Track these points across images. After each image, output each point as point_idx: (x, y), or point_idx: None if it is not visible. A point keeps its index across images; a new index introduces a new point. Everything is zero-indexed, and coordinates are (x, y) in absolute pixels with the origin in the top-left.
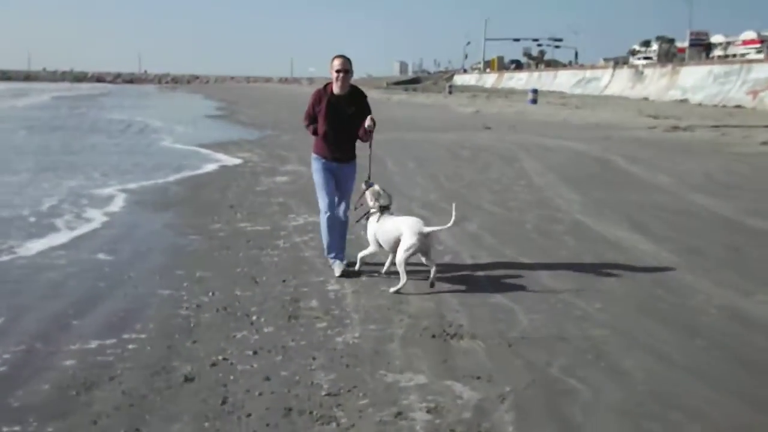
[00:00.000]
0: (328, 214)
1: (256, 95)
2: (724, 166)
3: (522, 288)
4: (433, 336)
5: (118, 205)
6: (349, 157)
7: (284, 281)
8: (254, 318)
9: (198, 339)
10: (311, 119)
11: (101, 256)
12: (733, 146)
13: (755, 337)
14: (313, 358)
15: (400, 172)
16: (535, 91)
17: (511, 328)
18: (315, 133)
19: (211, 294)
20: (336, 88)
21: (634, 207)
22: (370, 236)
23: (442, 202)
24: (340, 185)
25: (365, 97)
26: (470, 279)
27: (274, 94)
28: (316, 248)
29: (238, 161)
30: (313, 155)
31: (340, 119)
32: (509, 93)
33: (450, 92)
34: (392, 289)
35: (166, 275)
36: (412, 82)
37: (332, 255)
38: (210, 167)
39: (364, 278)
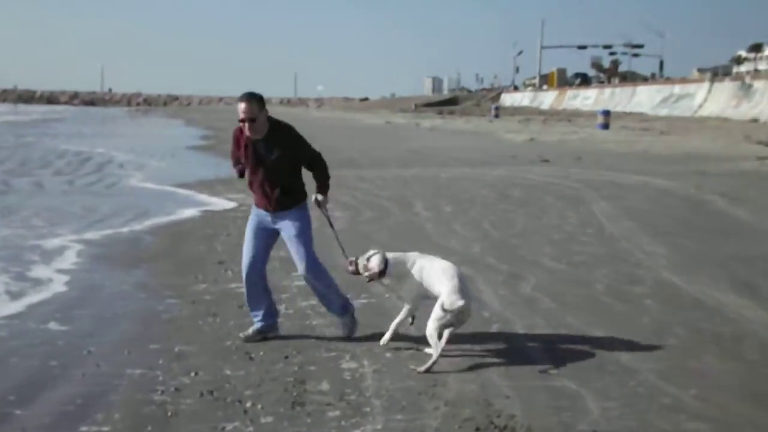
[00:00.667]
0: (245, 273)
1: None
2: None
3: (592, 367)
4: (477, 429)
5: (71, 260)
6: (285, 205)
7: (287, 357)
8: (248, 405)
9: None
10: (236, 160)
11: (53, 325)
12: None
13: None
14: None
15: (433, 218)
16: (606, 113)
17: (578, 420)
18: (240, 174)
19: (193, 374)
20: (249, 134)
21: (739, 262)
22: (410, 292)
23: (488, 256)
24: (287, 239)
25: (291, 132)
26: (524, 355)
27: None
28: (326, 315)
29: (228, 205)
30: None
31: (264, 165)
32: (573, 116)
33: (496, 115)
34: (421, 368)
35: (136, 350)
36: (447, 103)
37: (253, 314)
38: (192, 213)
39: (388, 354)
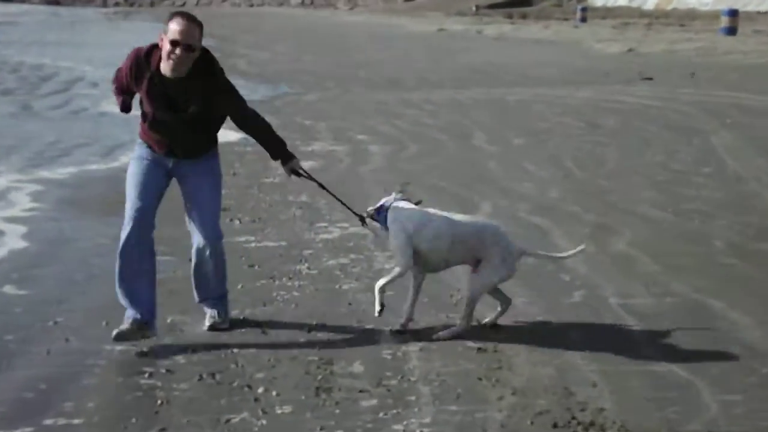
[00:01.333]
0: (129, 228)
1: (264, 28)
2: None
3: (707, 349)
4: (555, 425)
5: (25, 205)
6: (198, 151)
7: (309, 331)
8: (260, 391)
9: (168, 426)
10: (122, 87)
11: (8, 289)
12: None
13: None
14: None
15: (499, 154)
16: (733, 13)
17: (688, 417)
18: (125, 108)
19: (190, 351)
20: (165, 68)
21: None
22: (401, 245)
23: (570, 203)
24: (188, 194)
25: (223, 84)
26: (616, 331)
27: (291, 26)
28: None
29: (234, 137)
30: (138, 140)
31: (174, 110)
32: (686, 18)
33: (583, 19)
34: (439, 334)
35: (116, 320)
36: (519, 4)
37: (130, 298)
38: None
39: (446, 332)
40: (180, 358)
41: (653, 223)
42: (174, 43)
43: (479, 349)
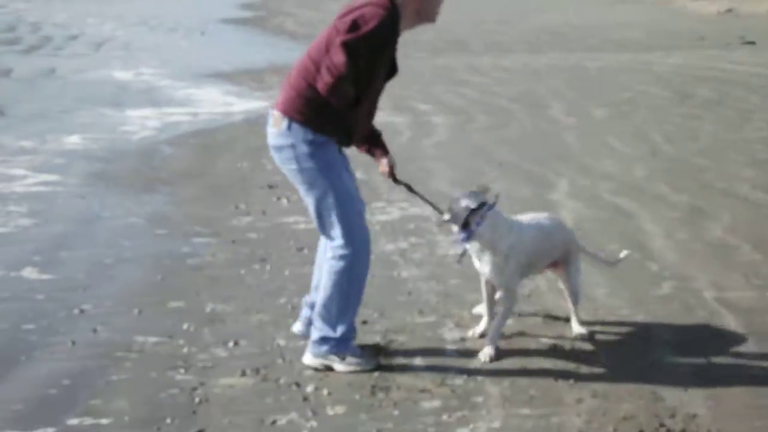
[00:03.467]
0: (366, 249)
1: None
2: None
3: None
4: None
5: (50, 178)
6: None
7: (365, 323)
8: (310, 389)
9: (207, 427)
10: (364, 75)
11: (28, 273)
12: None
13: None
14: None
15: (578, 127)
16: None
17: None
18: (345, 100)
19: (232, 344)
20: (416, 23)
21: None
22: (518, 270)
23: (659, 183)
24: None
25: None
26: (712, 328)
27: None
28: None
29: None
30: (317, 137)
31: (386, 77)
32: None
33: None
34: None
35: (149, 309)
36: None
37: (348, 344)
38: (232, 115)
39: (510, 321)
40: (221, 352)
41: (755, 206)
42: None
43: (555, 346)
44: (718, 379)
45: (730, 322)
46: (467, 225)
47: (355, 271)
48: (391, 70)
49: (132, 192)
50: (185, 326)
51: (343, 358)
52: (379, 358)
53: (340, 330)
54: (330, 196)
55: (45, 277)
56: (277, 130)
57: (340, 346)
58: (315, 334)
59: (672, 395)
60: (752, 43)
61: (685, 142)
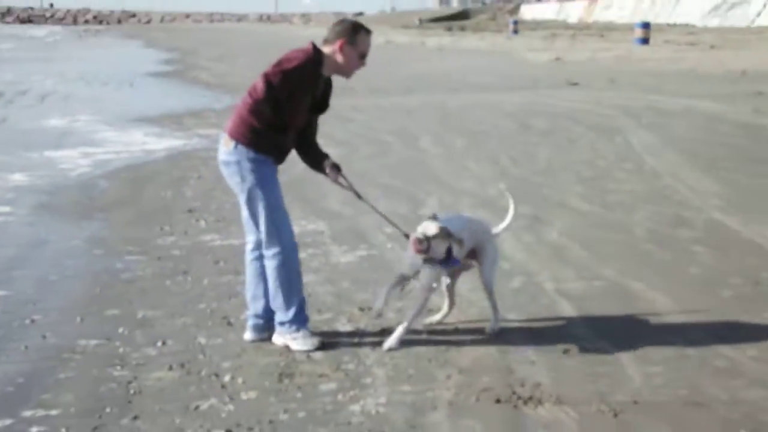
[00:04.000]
0: (292, 249)
1: (225, 41)
2: None
3: (632, 326)
4: (498, 401)
5: (5, 209)
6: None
7: (280, 323)
8: (227, 379)
9: (141, 414)
10: (281, 103)
11: None
12: None
13: None
14: None
15: (442, 154)
16: (646, 26)
17: (616, 389)
18: (272, 124)
19: (160, 344)
20: (336, 72)
21: None
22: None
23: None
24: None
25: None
26: (551, 313)
27: (250, 40)
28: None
29: (198, 143)
30: (258, 156)
31: (313, 111)
32: (606, 30)
33: (515, 31)
34: (492, 327)
35: (90, 316)
36: (457, 18)
37: (304, 317)
38: (156, 152)
39: (391, 314)
40: (151, 350)
41: (581, 214)
42: (364, 55)
43: (428, 333)
44: (558, 353)
45: (566, 307)
46: (449, 254)
47: (288, 265)
48: (321, 106)
49: (73, 219)
50: (120, 330)
51: (296, 338)
52: (322, 340)
53: (290, 313)
54: (264, 205)
55: (0, 293)
56: (226, 149)
57: (293, 324)
58: (276, 319)
59: (522, 369)
60: (575, 84)
61: (527, 164)
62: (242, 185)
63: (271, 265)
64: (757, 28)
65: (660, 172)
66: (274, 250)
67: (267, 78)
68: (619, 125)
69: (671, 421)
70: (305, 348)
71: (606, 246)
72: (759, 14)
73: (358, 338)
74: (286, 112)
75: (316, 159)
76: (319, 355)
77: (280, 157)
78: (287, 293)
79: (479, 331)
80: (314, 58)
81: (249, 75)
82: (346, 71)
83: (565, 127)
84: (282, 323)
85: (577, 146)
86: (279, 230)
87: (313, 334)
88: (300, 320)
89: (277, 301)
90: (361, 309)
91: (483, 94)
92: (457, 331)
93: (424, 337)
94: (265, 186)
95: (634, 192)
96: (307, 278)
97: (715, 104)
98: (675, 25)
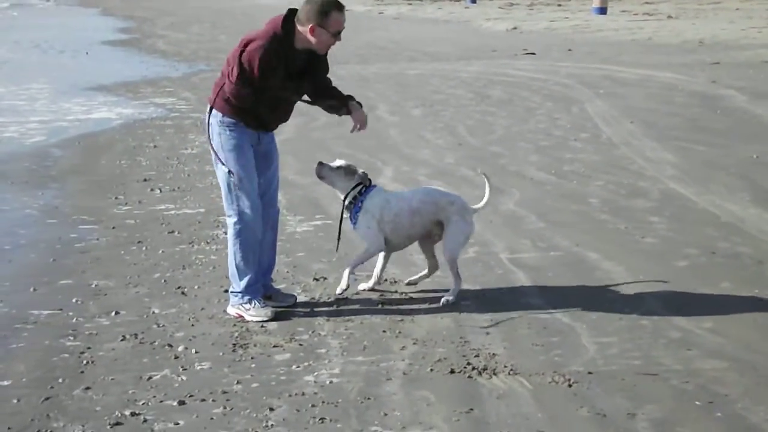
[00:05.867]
0: (251, 220)
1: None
2: None
3: (586, 297)
4: (452, 371)
5: None
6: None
7: (226, 291)
8: (180, 349)
9: (93, 384)
10: (256, 83)
11: None
12: None
13: None
14: (271, 409)
15: (399, 123)
16: None
17: (570, 359)
18: (244, 100)
19: (113, 314)
20: (311, 47)
21: (762, 168)
22: (368, 230)
23: (464, 167)
24: (267, 162)
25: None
26: (506, 283)
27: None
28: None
29: (154, 111)
30: (225, 118)
31: (295, 81)
32: None
33: (473, 0)
34: (446, 298)
35: (43, 287)
36: None
37: (256, 290)
38: (111, 120)
39: (346, 284)
40: (104, 321)
41: (538, 184)
42: (338, 33)
43: (383, 304)
44: (512, 324)
45: (521, 278)
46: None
47: (243, 237)
48: (318, 70)
49: (27, 188)
50: (74, 300)
51: (248, 308)
52: (274, 310)
53: (243, 284)
54: (226, 170)
55: None
56: (207, 112)
57: (246, 295)
58: (230, 289)
59: (476, 339)
60: (533, 53)
61: (484, 134)
62: (212, 146)
63: (229, 234)
64: None
65: (616, 142)
66: (231, 219)
67: (240, 63)
68: (576, 95)
69: (625, 392)
70: (258, 318)
71: (562, 216)
72: None
73: (312, 309)
74: (264, 88)
75: (335, 105)
76: (273, 325)
77: (259, 124)
78: (240, 264)
79: (435, 301)
80: (280, 37)
81: (206, 43)
82: (320, 49)
83: (522, 97)
84: (234, 293)
85: (534, 116)
86: (237, 199)
87: (266, 304)
88: (252, 291)
89: (230, 271)
90: (316, 279)
91: (440, 64)
92: (412, 301)
93: (379, 308)
94: (230, 151)
95: (590, 162)
96: None
97: (672, 74)
98: None
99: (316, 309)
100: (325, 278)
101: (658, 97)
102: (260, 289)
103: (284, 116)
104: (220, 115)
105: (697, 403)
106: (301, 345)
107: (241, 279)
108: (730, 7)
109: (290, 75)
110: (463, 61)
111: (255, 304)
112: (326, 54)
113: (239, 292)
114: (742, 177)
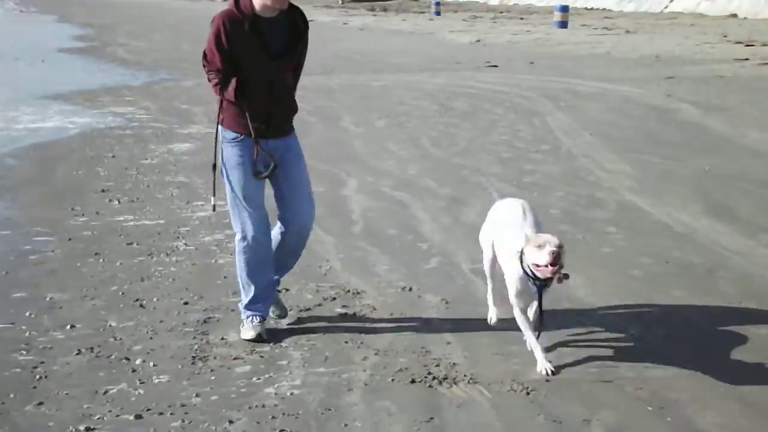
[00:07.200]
0: (253, 238)
1: (143, 17)
2: None
3: (546, 308)
4: (413, 381)
5: None
6: (287, 127)
7: (186, 303)
8: (138, 362)
9: (46, 399)
10: (220, 68)
11: None
12: None
13: None
14: (230, 422)
15: (363, 134)
16: (564, 9)
17: (529, 368)
18: (226, 92)
19: (69, 327)
20: (276, 5)
21: (713, 181)
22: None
23: (427, 178)
24: (284, 176)
25: (308, 26)
26: (468, 293)
27: (170, 16)
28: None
29: (113, 120)
30: (227, 133)
31: (276, 62)
32: (526, 12)
33: (438, 12)
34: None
35: None
36: None
37: (256, 308)
38: (67, 130)
39: (309, 296)
40: (59, 334)
41: (500, 195)
42: None
43: (345, 315)
44: (473, 334)
45: (482, 288)
46: None
47: (244, 255)
48: (289, 50)
49: None
50: (27, 313)
51: (241, 323)
52: (261, 334)
53: (244, 301)
54: (227, 186)
55: None
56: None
57: (244, 311)
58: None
59: (438, 349)
60: (495, 66)
61: (447, 146)
62: (221, 162)
63: (234, 249)
64: (670, 14)
65: (575, 153)
66: (236, 235)
67: (207, 43)
68: (537, 107)
69: (581, 399)
70: (244, 336)
71: None
72: (671, 0)
73: (274, 321)
74: (239, 67)
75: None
76: (234, 337)
77: (258, 126)
78: (243, 281)
79: (396, 312)
80: (230, 11)
81: (167, 52)
82: (279, 4)
83: (485, 109)
84: (241, 306)
85: (497, 128)
86: (238, 215)
87: (260, 324)
88: (253, 309)
89: (238, 284)
90: (278, 291)
91: (405, 75)
92: (375, 312)
93: (341, 319)
94: (229, 167)
95: (550, 173)
96: (224, 260)
97: (629, 88)
98: (593, 9)
99: (278, 321)
100: (287, 290)
101: (617, 110)
102: (264, 308)
103: (280, 108)
104: (223, 129)
105: (648, 408)
106: (262, 357)
107: (244, 295)
108: (686, 23)
109: (267, 52)
110: (427, 73)
111: (247, 321)
112: (306, 40)
113: (241, 307)
114: (695, 189)
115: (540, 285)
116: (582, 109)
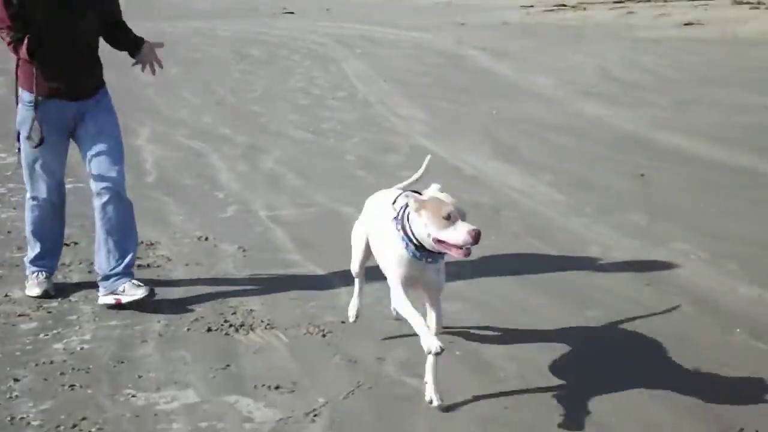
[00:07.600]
0: (45, 200)
1: None
2: (626, 58)
3: (343, 250)
4: (210, 330)
5: None
6: (94, 87)
7: None
8: None
9: None
10: (10, 25)
11: None
12: (641, 30)
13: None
14: (15, 380)
15: (157, 82)
16: None
17: (325, 311)
18: (20, 51)
19: None
20: None
21: (499, 123)
22: None
23: (224, 126)
24: (90, 136)
25: None
26: (264, 239)
27: None
28: (20, 206)
29: None
30: (26, 94)
31: (74, 15)
32: None
33: None
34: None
35: None
36: None
37: (42, 264)
38: None
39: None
40: None
41: (297, 142)
42: None
43: (138, 266)
44: (269, 279)
45: (279, 235)
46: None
47: (32, 212)
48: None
49: None
50: None
51: (28, 279)
52: (48, 290)
53: (30, 256)
54: (23, 150)
55: None
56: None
57: (30, 266)
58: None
59: (234, 296)
60: (292, 13)
61: (244, 93)
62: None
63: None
64: None
65: (371, 100)
66: (26, 192)
67: None
68: (333, 54)
69: (374, 338)
70: (29, 293)
71: (320, 173)
72: None
73: (63, 276)
74: (27, 25)
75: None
76: (18, 294)
77: (57, 86)
78: (28, 235)
79: (192, 262)
80: None
81: None
82: None
83: (281, 56)
84: (27, 259)
85: (293, 75)
86: (30, 177)
87: (46, 280)
88: (36, 264)
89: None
90: (67, 244)
91: (198, 22)
92: (171, 263)
93: (134, 271)
94: (22, 127)
95: (346, 120)
96: (7, 213)
97: (423, 34)
98: None
99: (66, 276)
100: (75, 243)
101: (410, 56)
102: (50, 263)
103: (83, 66)
104: (20, 89)
105: None
106: (49, 313)
107: (30, 250)
108: None
109: (65, 6)
110: (221, 19)
111: (35, 276)
112: None
113: (28, 263)
114: (483, 132)
115: (427, 257)
116: (377, 56)
